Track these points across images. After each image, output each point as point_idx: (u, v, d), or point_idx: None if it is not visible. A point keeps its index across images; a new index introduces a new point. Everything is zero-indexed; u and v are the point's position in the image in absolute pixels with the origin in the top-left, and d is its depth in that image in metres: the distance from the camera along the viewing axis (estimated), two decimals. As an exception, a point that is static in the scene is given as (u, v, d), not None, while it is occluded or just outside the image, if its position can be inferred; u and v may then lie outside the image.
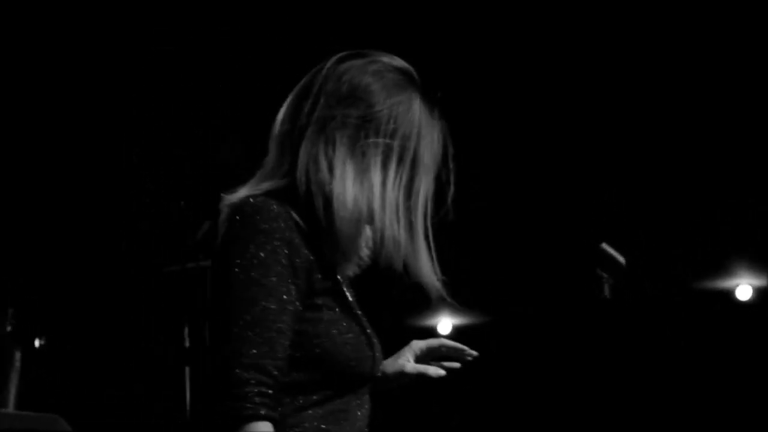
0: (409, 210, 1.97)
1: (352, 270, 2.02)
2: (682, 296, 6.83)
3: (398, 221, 1.95)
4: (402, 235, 1.95)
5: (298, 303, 1.87)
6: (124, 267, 4.40)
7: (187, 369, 4.13)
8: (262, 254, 1.84)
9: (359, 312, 1.99)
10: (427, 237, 2.00)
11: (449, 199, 2.04)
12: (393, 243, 1.94)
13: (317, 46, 2.25)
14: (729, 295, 6.99)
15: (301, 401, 1.90)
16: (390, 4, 5.01)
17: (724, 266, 6.82)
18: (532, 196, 4.99)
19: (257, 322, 1.82)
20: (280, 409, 1.86)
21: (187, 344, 4.14)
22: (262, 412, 1.81)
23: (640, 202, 6.14)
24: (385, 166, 1.95)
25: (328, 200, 1.90)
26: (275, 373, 1.83)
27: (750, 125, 5.91)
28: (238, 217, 1.87)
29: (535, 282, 5.98)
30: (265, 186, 1.93)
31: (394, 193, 1.95)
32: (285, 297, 1.85)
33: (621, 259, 2.07)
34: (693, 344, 6.88)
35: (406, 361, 2.20)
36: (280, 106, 2.00)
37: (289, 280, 1.86)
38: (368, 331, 1.99)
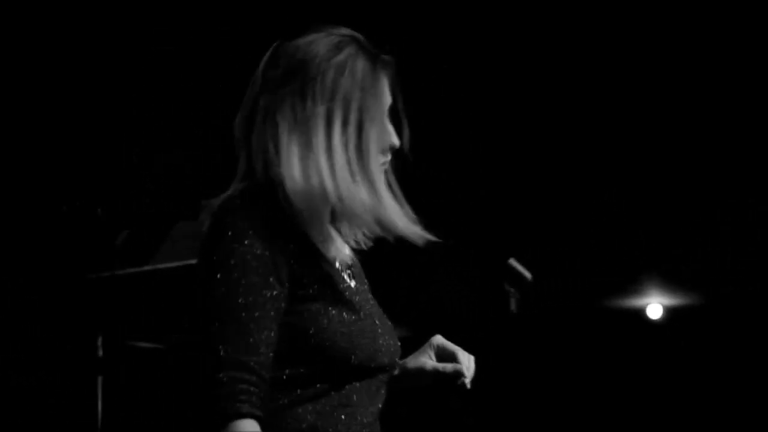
0: (365, 167, 1.94)
1: (345, 252, 1.99)
2: (593, 314, 6.90)
3: (355, 181, 1.93)
4: (363, 194, 1.93)
5: (280, 297, 1.86)
6: (40, 274, 4.37)
7: (99, 379, 4.09)
8: (236, 255, 1.83)
9: (358, 298, 1.94)
10: (390, 187, 1.97)
11: (406, 147, 2.02)
12: (357, 205, 1.92)
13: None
14: (640, 313, 7.10)
15: (294, 397, 1.88)
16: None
17: (635, 285, 6.91)
18: (442, 211, 5.02)
19: (235, 319, 1.81)
20: (271, 405, 1.84)
21: (101, 353, 4.11)
22: (245, 410, 1.79)
23: (552, 219, 6.20)
24: (328, 132, 1.93)
25: (282, 185, 1.90)
26: (258, 369, 1.81)
27: (665, 142, 5.98)
28: (212, 223, 1.87)
29: (437, 296, 6.01)
30: (240, 188, 1.92)
31: (343, 156, 1.93)
32: (264, 292, 1.84)
33: (527, 274, 2.10)
34: (603, 361, 6.95)
35: (428, 358, 2.11)
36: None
37: (269, 277, 1.84)
38: (375, 318, 1.95)
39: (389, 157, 2.00)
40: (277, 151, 1.91)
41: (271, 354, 1.84)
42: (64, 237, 4.34)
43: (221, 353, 1.81)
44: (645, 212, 6.31)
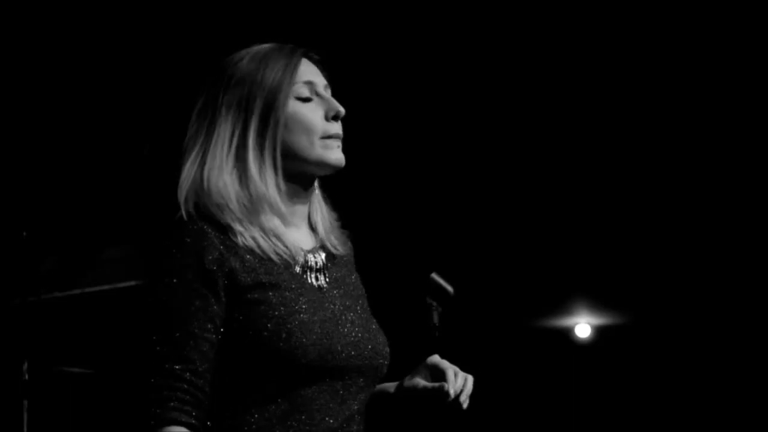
0: (242, 151, 1.93)
1: (312, 254, 1.97)
2: (521, 333, 6.93)
3: (223, 166, 1.92)
4: (231, 179, 1.93)
5: (216, 309, 1.86)
6: None
7: (25, 402, 4.07)
8: (172, 269, 1.85)
9: (318, 299, 1.92)
10: (269, 169, 1.94)
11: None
12: (217, 194, 1.91)
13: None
14: (568, 333, 7.15)
15: (240, 404, 1.87)
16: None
17: (563, 305, 6.96)
18: (367, 222, 4.98)
19: (170, 332, 1.83)
20: (218, 414, 1.84)
21: (26, 377, 4.07)
22: (175, 416, 1.80)
23: (481, 236, 6.22)
24: (230, 136, 1.93)
25: (197, 191, 1.91)
26: (191, 379, 1.82)
27: (589, 165, 6.00)
28: (159, 242, 1.90)
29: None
30: (191, 202, 1.92)
31: (254, 151, 1.93)
32: (196, 303, 1.85)
33: (450, 288, 2.11)
34: (530, 380, 6.97)
35: (422, 378, 2.03)
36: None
37: (201, 289, 1.85)
38: (339, 319, 1.93)
39: (334, 129, 1.95)
40: (188, 157, 1.94)
41: (206, 365, 1.84)
42: None
43: (154, 363, 1.82)
44: (573, 234, 6.36)
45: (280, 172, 1.93)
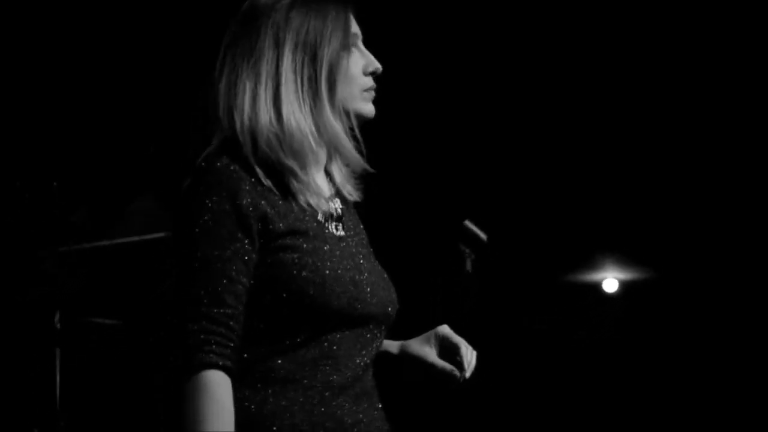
0: (317, 92, 1.93)
1: (331, 202, 1.98)
2: (549, 287, 6.94)
3: (302, 108, 1.91)
4: (307, 121, 1.92)
5: (249, 251, 1.86)
6: None
7: (57, 351, 4.09)
8: (204, 211, 1.85)
9: (342, 247, 1.93)
10: (338, 110, 1.95)
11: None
12: (296, 132, 1.90)
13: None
14: (596, 287, 7.12)
15: (270, 348, 1.87)
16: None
17: (591, 260, 6.95)
18: (402, 173, 5.03)
19: (203, 273, 1.82)
20: (246, 356, 1.85)
21: (58, 326, 4.10)
22: (213, 360, 1.80)
23: (509, 192, 6.22)
24: (276, 58, 1.92)
25: (243, 129, 1.90)
26: (226, 321, 1.82)
27: (621, 125, 6.03)
28: (188, 180, 1.89)
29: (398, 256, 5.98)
30: (217, 143, 1.93)
31: (292, 81, 1.92)
32: (231, 246, 1.84)
33: (483, 235, 2.11)
34: (558, 334, 6.98)
35: (430, 347, 2.08)
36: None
37: (237, 232, 1.85)
38: (360, 268, 1.94)
39: (371, 83, 1.99)
40: (235, 93, 1.91)
41: (241, 307, 1.84)
42: (19, 212, 4.31)
43: (189, 305, 1.82)
44: (598, 191, 6.34)
45: (338, 117, 1.94)
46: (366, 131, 2.04)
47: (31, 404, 4.30)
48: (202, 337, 1.80)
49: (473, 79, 5.74)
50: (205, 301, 1.82)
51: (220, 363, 1.80)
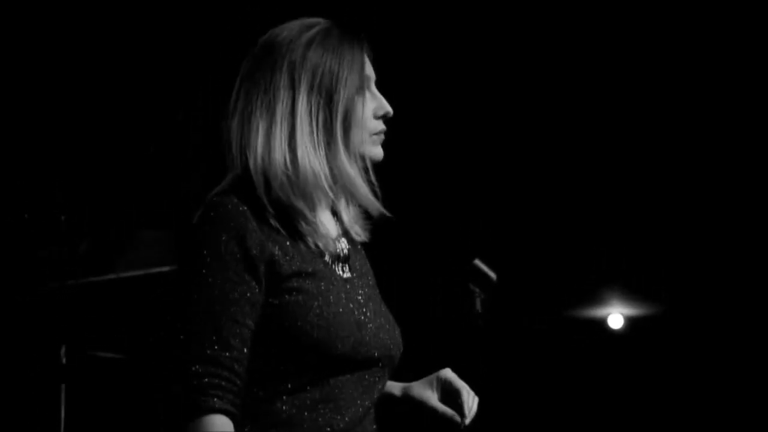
0: (332, 134, 1.91)
1: (338, 243, 1.97)
2: (555, 323, 6.92)
3: (316, 149, 1.90)
4: (321, 163, 1.91)
5: (255, 293, 1.84)
6: (1, 282, 4.35)
7: (63, 386, 4.08)
8: (211, 251, 1.83)
9: (347, 290, 1.92)
10: (352, 154, 1.95)
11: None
12: (310, 174, 1.89)
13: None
14: (601, 323, 7.08)
15: (272, 391, 1.87)
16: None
17: (596, 295, 6.92)
18: (410, 210, 5.04)
19: (208, 315, 1.81)
20: (248, 399, 1.83)
21: (64, 361, 4.09)
22: (216, 404, 1.78)
23: (515, 228, 6.20)
24: (292, 99, 1.90)
25: (257, 169, 1.89)
26: (230, 364, 1.80)
27: (625, 157, 6.01)
28: (195, 221, 1.88)
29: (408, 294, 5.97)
30: (227, 180, 1.92)
31: (307, 123, 1.90)
32: (237, 288, 1.83)
33: (492, 274, 2.11)
34: (564, 369, 6.96)
35: (432, 391, 2.08)
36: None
37: (243, 274, 1.83)
38: (365, 310, 1.93)
39: (382, 126, 1.99)
40: (249, 130, 1.90)
41: (245, 350, 1.83)
42: (26, 245, 4.31)
43: (192, 348, 1.80)
44: (606, 224, 6.33)
45: (353, 161, 1.94)
46: (378, 170, 2.04)
47: None
48: (206, 380, 1.79)
49: (475, 116, 5.73)
50: (210, 343, 1.81)
51: (225, 408, 1.79)
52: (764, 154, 5.80)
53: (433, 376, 2.08)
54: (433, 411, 2.05)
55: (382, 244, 2.06)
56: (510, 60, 5.57)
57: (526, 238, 6.28)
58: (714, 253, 6.41)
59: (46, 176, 4.59)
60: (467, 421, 2.05)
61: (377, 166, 2.02)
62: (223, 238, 1.83)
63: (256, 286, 1.85)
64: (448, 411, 2.03)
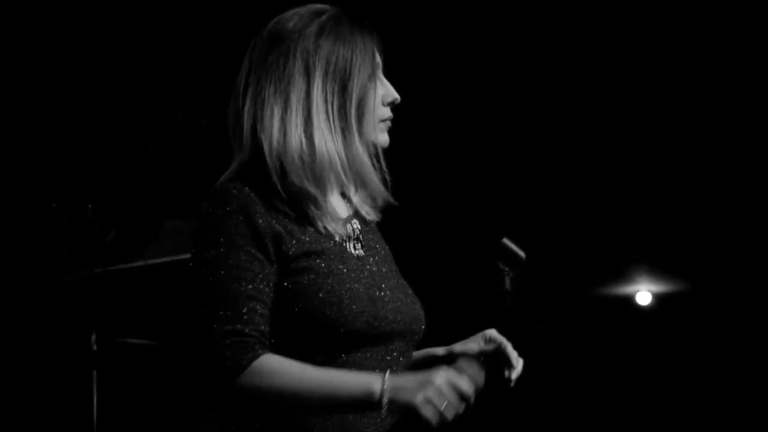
0: (347, 119, 1.94)
1: (349, 223, 1.99)
2: (584, 300, 6.94)
3: (333, 134, 1.92)
4: (337, 146, 1.93)
5: (269, 273, 1.86)
6: (31, 271, 4.40)
7: (94, 373, 4.14)
8: (224, 234, 1.85)
9: (360, 267, 1.94)
10: (365, 140, 1.97)
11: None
12: (325, 158, 1.91)
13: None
14: (629, 300, 7.11)
15: None
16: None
17: (624, 272, 6.92)
18: (436, 191, 5.04)
19: (228, 296, 1.83)
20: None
21: (95, 348, 4.14)
22: (259, 351, 1.80)
23: (542, 207, 6.21)
24: (308, 85, 1.92)
25: (272, 152, 1.90)
26: (258, 336, 1.82)
27: (653, 134, 6.02)
28: (204, 206, 1.90)
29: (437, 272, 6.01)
30: (234, 166, 1.94)
31: (323, 108, 1.92)
32: (253, 268, 1.85)
33: (521, 253, 2.11)
34: (593, 347, 6.98)
35: (476, 345, 2.09)
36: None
37: (257, 254, 1.85)
38: (381, 286, 1.94)
39: (390, 113, 2.00)
40: (262, 116, 1.91)
41: (266, 327, 1.85)
42: (55, 234, 4.35)
43: (219, 327, 1.81)
44: (632, 203, 6.34)
45: (365, 147, 1.97)
46: (410, 153, 2.05)
47: (70, 426, 4.34)
48: (242, 340, 1.80)
49: (504, 98, 5.74)
50: (236, 320, 1.82)
51: (265, 352, 1.81)
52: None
53: (477, 335, 2.09)
54: (479, 353, 2.05)
55: (411, 225, 2.07)
56: (535, 42, 5.58)
57: (554, 217, 6.30)
58: (738, 231, 6.41)
59: (73, 165, 4.63)
60: (514, 375, 2.04)
61: (405, 152, 2.04)
62: (233, 220, 1.85)
63: (269, 264, 1.86)
64: (491, 346, 2.04)
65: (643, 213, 6.42)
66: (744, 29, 5.32)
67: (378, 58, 2.00)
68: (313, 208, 1.92)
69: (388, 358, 1.92)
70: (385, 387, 1.77)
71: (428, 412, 1.75)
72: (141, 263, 4.15)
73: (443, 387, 1.77)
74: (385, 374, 1.79)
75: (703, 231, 6.48)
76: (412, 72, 2.10)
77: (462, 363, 1.85)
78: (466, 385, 1.78)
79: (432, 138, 5.30)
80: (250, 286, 1.84)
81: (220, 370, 1.79)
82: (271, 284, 1.87)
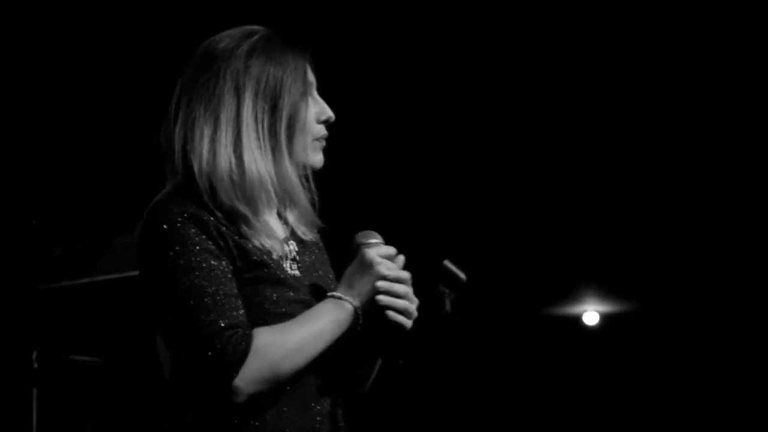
0: (277, 138, 1.94)
1: (287, 243, 1.99)
2: (531, 320, 7.00)
3: (263, 153, 1.93)
4: (267, 166, 1.94)
5: (231, 268, 1.88)
6: None
7: (34, 390, 4.12)
8: (181, 242, 1.85)
9: (294, 286, 1.95)
10: (295, 160, 1.97)
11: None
12: (255, 178, 1.92)
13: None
14: (576, 320, 7.20)
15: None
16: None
17: (571, 293, 7.02)
18: (379, 211, 5.05)
19: (206, 296, 1.83)
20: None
21: (36, 366, 4.12)
22: (248, 333, 1.82)
23: (489, 226, 6.23)
24: (237, 105, 1.93)
25: (201, 173, 1.91)
26: (242, 322, 1.83)
27: (597, 155, 6.04)
28: (144, 225, 1.89)
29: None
30: (168, 188, 1.94)
31: (253, 127, 1.93)
32: (219, 266, 1.86)
33: (462, 275, 2.12)
34: (540, 365, 7.05)
35: None
36: None
37: (218, 254, 1.87)
38: (311, 303, 1.95)
39: (324, 131, 2.01)
40: (192, 137, 1.92)
41: (244, 319, 1.85)
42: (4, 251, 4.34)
43: (211, 327, 1.82)
44: (579, 224, 6.39)
45: (295, 168, 1.97)
46: (349, 172, 2.06)
47: None
48: (228, 333, 1.82)
49: (442, 118, 5.74)
50: (215, 321, 1.83)
51: (249, 333, 1.83)
52: (736, 153, 5.86)
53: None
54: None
55: (347, 242, 2.07)
56: (463, 56, 5.57)
57: (502, 237, 6.33)
58: (686, 250, 6.48)
59: (15, 181, 4.60)
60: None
61: (345, 172, 2.05)
62: (186, 228, 1.86)
63: (230, 262, 1.88)
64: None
65: (591, 235, 6.47)
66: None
67: (311, 77, 2.02)
68: (245, 227, 1.93)
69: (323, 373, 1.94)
70: (344, 295, 1.91)
71: (393, 288, 1.90)
72: (88, 280, 4.14)
73: (376, 260, 1.91)
74: (335, 292, 1.91)
75: (648, 252, 6.54)
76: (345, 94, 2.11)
77: (363, 239, 1.95)
78: (385, 249, 1.94)
79: (373, 157, 5.32)
80: (225, 285, 1.85)
81: (223, 365, 1.80)
82: (234, 277, 1.88)
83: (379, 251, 1.94)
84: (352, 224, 2.00)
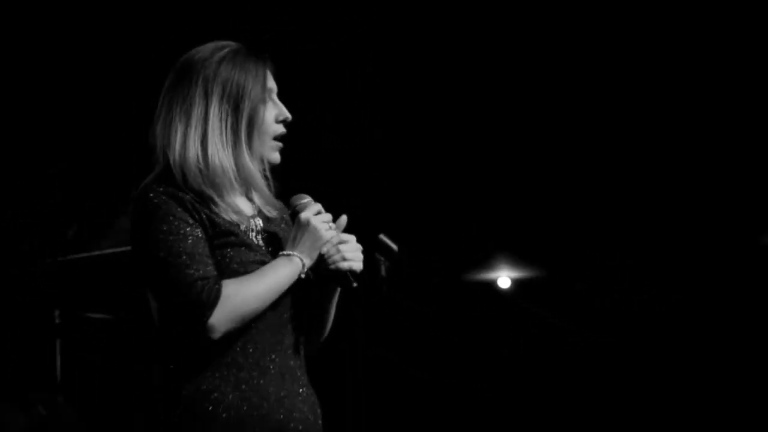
0: (237, 135, 2.15)
1: (255, 220, 2.21)
2: (451, 285, 7.04)
3: (224, 148, 2.14)
4: (228, 159, 2.14)
5: (205, 236, 2.11)
6: (4, 259, 4.63)
7: (58, 342, 4.55)
8: (163, 216, 2.08)
9: (259, 256, 2.15)
10: (254, 153, 2.18)
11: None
12: (218, 169, 2.14)
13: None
14: (491, 285, 7.33)
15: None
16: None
17: (486, 260, 7.19)
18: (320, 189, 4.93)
19: (184, 255, 2.05)
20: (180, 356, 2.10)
21: (58, 321, 4.54)
22: (219, 284, 2.04)
23: (415, 202, 6.36)
24: (205, 104, 2.16)
25: (175, 163, 2.14)
26: (214, 275, 2.07)
27: (515, 128, 6.01)
28: (132, 205, 2.14)
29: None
30: (151, 176, 2.17)
31: (218, 125, 2.15)
32: (194, 233, 2.08)
33: (395, 246, 2.30)
34: (458, 327, 7.09)
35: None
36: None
37: (193, 223, 2.09)
38: (268, 262, 2.19)
39: (282, 129, 2.28)
40: (169, 133, 2.18)
41: (216, 272, 2.10)
42: (29, 230, 4.68)
43: (189, 279, 2.03)
44: (494, 195, 6.50)
45: (254, 159, 2.23)
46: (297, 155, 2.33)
47: (36, 384, 4.66)
48: (201, 283, 2.04)
49: (392, 96, 5.70)
50: (197, 270, 2.05)
51: (220, 283, 2.08)
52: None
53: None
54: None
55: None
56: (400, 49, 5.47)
57: (429, 215, 6.37)
58: (593, 224, 6.54)
59: (38, 171, 4.84)
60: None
61: (296, 156, 2.33)
62: (167, 204, 2.09)
63: (200, 228, 2.11)
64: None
65: (507, 210, 6.64)
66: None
67: (271, 84, 2.23)
68: (213, 206, 2.15)
69: (282, 328, 2.19)
70: (291, 251, 2.14)
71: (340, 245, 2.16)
72: (98, 252, 4.56)
73: (311, 219, 2.14)
74: (289, 250, 2.13)
75: (558, 223, 6.67)
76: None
77: (296, 201, 2.19)
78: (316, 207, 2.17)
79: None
80: (199, 246, 2.08)
81: (200, 308, 2.02)
82: (207, 245, 2.11)
83: (312, 210, 2.17)
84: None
